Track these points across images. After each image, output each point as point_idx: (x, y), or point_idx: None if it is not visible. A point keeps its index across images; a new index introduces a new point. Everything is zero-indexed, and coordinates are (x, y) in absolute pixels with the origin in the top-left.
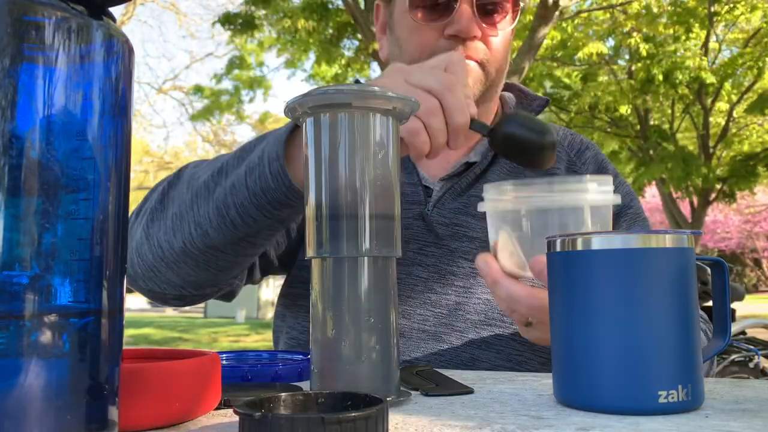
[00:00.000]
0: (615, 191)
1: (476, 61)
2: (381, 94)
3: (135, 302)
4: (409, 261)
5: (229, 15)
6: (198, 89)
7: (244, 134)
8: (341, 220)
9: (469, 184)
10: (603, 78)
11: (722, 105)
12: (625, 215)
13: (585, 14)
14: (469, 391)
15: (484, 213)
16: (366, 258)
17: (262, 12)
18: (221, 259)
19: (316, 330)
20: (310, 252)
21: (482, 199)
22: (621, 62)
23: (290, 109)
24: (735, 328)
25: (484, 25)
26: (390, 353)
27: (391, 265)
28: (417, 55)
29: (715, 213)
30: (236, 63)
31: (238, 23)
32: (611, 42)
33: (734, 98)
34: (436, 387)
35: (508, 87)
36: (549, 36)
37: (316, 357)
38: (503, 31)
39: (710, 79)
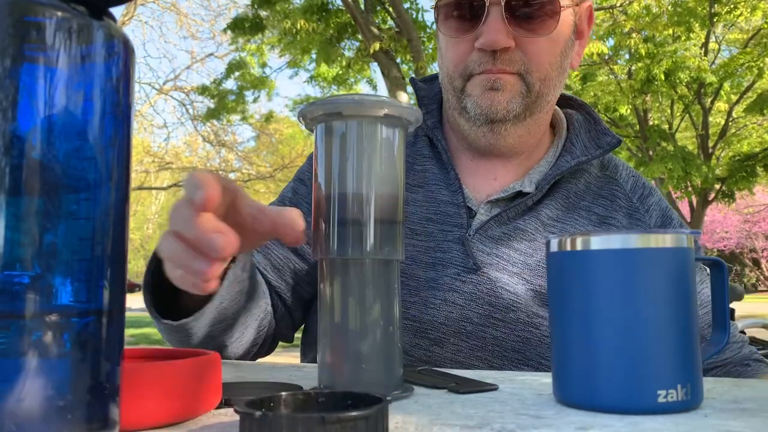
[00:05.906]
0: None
1: (511, 74)
2: (389, 102)
3: (136, 302)
4: (445, 287)
5: (237, 20)
6: (205, 89)
7: (244, 134)
8: (347, 224)
9: (517, 214)
10: (603, 78)
11: (721, 105)
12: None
13: None
14: (494, 387)
15: (527, 246)
16: (370, 260)
17: (264, 13)
18: (211, 345)
19: (323, 325)
20: (318, 254)
21: (528, 231)
22: (621, 62)
23: (301, 116)
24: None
25: (521, 30)
26: (393, 350)
27: (394, 267)
28: (452, 70)
29: (714, 213)
30: (235, 65)
31: (246, 27)
32: (611, 42)
33: (734, 98)
34: (457, 385)
35: (577, 105)
36: None
37: (324, 351)
38: (545, 35)
39: (710, 79)
